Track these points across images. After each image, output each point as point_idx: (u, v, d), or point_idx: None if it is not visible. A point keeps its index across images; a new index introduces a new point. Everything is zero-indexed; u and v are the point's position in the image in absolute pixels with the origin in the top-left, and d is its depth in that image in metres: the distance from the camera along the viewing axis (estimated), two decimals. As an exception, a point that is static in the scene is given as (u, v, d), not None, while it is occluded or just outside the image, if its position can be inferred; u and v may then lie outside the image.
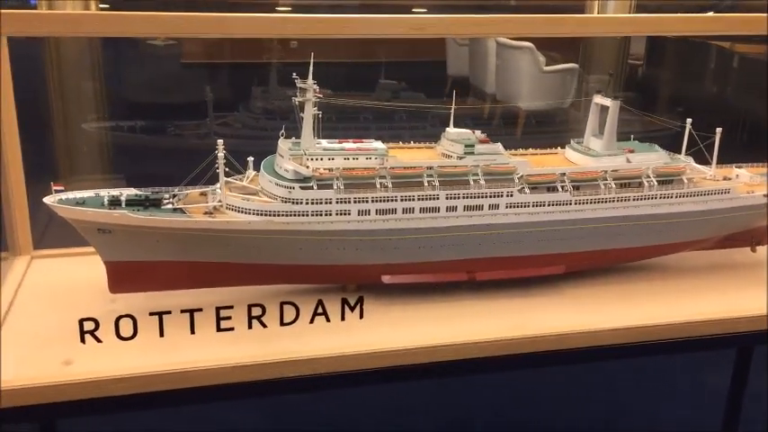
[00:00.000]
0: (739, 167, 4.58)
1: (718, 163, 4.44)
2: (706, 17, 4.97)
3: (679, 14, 4.57)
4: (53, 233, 4.20)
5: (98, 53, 8.37)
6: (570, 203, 4.04)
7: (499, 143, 4.16)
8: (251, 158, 4.01)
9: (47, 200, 3.65)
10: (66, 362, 3.33)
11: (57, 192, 3.67)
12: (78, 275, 4.05)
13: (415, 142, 4.30)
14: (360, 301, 3.53)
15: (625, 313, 3.96)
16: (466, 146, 3.99)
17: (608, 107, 4.24)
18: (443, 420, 5.92)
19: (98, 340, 3.24)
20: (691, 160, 4.41)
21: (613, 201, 4.09)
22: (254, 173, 4.00)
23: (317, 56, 3.71)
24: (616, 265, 4.37)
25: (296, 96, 3.81)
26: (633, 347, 3.89)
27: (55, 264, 4.38)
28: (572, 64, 10.82)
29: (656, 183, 4.14)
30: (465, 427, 5.89)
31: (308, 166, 3.77)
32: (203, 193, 3.87)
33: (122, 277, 3.75)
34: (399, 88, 8.47)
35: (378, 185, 3.82)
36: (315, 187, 3.74)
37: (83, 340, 3.23)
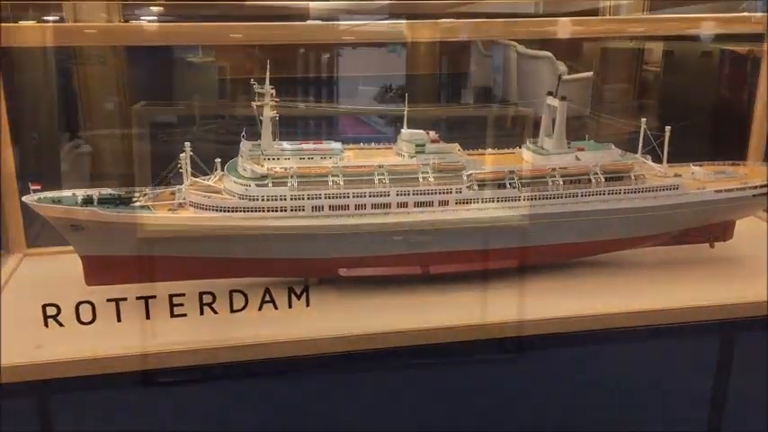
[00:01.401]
0: (698, 165, 4.68)
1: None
2: (699, 17, 4.98)
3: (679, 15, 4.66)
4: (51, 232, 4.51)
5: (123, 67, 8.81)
6: (518, 199, 4.20)
7: (456, 144, 4.36)
8: (218, 160, 4.27)
9: (26, 198, 3.97)
10: (38, 346, 3.62)
11: (35, 191, 3.99)
12: (63, 271, 4.25)
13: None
14: (305, 290, 3.76)
15: (578, 303, 4.08)
16: (417, 145, 4.20)
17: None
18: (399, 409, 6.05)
19: (60, 324, 3.54)
20: (648, 159, 4.53)
21: (561, 197, 4.23)
22: (221, 173, 4.27)
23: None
24: (570, 261, 4.50)
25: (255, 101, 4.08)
26: (584, 335, 4.02)
27: (45, 261, 4.69)
28: (588, 73, 10.92)
29: (603, 179, 4.27)
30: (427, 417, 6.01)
31: (263, 165, 4.02)
32: (173, 192, 4.15)
33: (96, 270, 4.02)
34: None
35: (330, 183, 4.05)
36: (270, 185, 3.99)
37: (46, 324, 3.53)
